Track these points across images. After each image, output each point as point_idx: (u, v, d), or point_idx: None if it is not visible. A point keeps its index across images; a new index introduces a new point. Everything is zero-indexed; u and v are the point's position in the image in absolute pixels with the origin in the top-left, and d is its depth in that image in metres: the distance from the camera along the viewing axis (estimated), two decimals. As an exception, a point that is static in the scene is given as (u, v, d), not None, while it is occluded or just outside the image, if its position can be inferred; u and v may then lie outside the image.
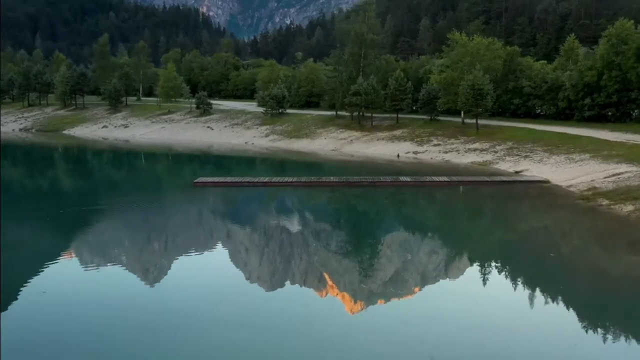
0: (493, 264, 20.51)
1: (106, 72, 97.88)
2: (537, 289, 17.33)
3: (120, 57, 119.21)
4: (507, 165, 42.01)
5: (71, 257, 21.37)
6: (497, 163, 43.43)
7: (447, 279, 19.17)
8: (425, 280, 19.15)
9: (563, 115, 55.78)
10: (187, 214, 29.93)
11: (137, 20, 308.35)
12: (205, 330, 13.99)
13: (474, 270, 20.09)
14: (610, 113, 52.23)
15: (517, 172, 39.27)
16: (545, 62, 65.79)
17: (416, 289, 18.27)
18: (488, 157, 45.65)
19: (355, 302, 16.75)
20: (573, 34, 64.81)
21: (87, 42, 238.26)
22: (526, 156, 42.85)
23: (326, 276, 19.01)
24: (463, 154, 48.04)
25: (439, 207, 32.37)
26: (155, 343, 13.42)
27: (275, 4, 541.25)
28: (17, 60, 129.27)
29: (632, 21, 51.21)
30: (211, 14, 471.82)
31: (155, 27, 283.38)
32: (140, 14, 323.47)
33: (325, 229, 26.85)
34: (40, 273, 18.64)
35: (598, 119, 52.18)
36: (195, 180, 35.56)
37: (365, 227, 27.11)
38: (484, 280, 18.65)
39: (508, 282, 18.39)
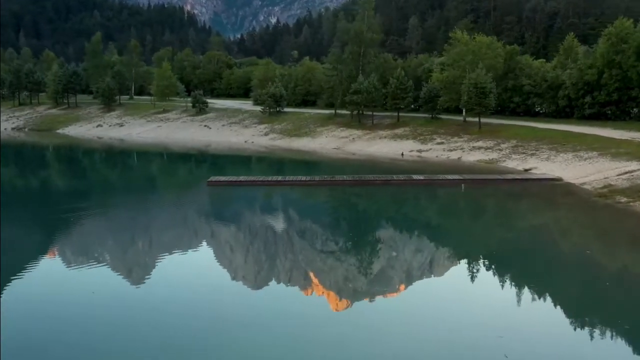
0: (521, 262, 20.34)
1: (98, 71, 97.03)
2: (575, 287, 17.36)
3: (110, 55, 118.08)
4: (515, 164, 42.32)
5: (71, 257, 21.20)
6: (504, 161, 43.70)
7: (481, 277, 19.15)
8: (450, 278, 19.11)
9: (563, 114, 56.48)
10: (212, 214, 29.58)
11: (121, 19, 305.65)
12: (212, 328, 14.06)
13: (492, 268, 19.95)
14: (610, 111, 52.95)
15: (526, 170, 39.56)
16: (544, 60, 66.45)
17: (436, 285, 18.30)
18: (494, 155, 45.95)
19: (397, 289, 16.87)
20: (572, 33, 65.56)
21: (72, 40, 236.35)
22: (532, 154, 43.18)
23: (344, 275, 19.11)
24: (468, 152, 48.29)
25: (457, 206, 32.36)
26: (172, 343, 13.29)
27: (260, 2, 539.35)
28: (5, 59, 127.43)
29: (631, 20, 51.96)
30: (195, 12, 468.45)
31: (141, 26, 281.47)
32: (124, 12, 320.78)
33: (353, 227, 26.88)
34: (79, 273, 18.52)
35: (598, 117, 52.89)
36: (209, 180, 35.40)
37: (394, 227, 27.22)
38: (504, 279, 18.53)
39: (542, 281, 18.07)
